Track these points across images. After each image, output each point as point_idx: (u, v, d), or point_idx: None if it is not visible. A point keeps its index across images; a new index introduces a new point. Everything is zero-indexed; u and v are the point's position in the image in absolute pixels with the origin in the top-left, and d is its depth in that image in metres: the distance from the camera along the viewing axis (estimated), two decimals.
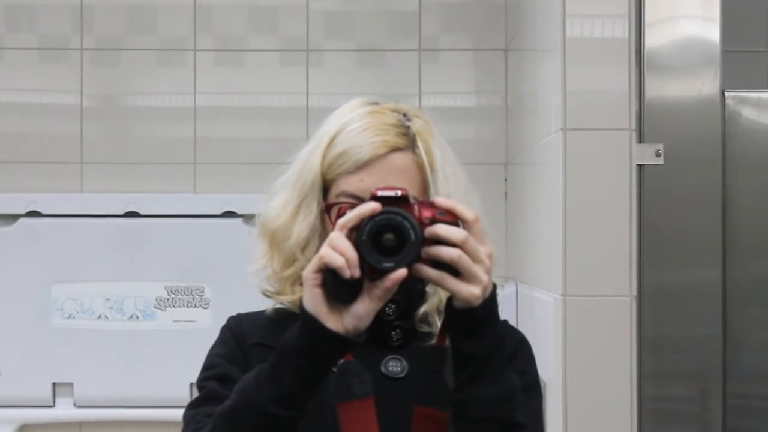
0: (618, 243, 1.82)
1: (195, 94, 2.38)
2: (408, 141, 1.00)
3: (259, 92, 2.42)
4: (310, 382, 0.85)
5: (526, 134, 2.28)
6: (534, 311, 2.15)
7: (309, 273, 0.85)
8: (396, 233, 0.83)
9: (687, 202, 1.96)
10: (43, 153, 2.39)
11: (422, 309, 1.00)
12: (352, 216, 0.84)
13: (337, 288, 0.83)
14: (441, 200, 0.88)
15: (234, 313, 1.11)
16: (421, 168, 0.99)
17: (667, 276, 1.95)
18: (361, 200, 0.91)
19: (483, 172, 2.30)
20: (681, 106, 1.97)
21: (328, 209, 0.99)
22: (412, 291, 0.97)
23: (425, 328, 1.00)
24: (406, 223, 0.83)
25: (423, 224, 0.84)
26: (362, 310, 0.84)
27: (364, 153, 0.97)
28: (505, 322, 0.97)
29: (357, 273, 0.82)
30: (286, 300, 1.04)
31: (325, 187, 1.00)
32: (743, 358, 1.95)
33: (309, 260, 0.88)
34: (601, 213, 1.88)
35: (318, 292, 0.84)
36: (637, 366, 1.83)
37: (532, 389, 1.00)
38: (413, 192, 0.93)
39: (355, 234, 0.84)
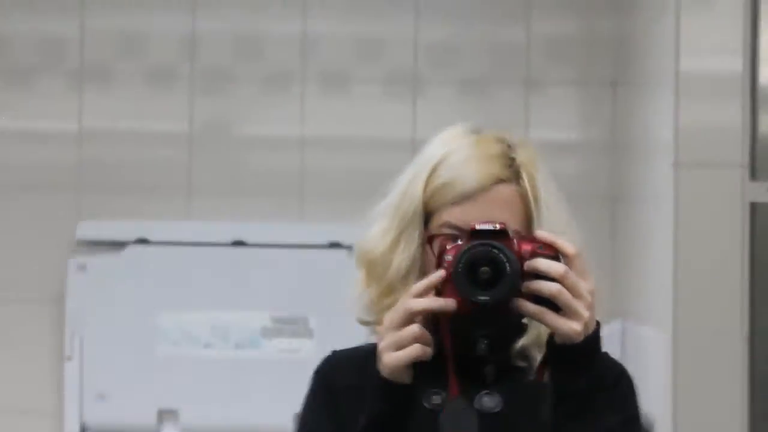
0: (730, 281, 1.81)
1: (302, 124, 2.40)
2: (512, 173, 0.97)
3: (364, 122, 2.43)
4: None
5: (634, 169, 2.26)
6: (641, 349, 2.12)
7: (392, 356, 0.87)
8: (492, 266, 0.82)
9: None
10: (152, 180, 2.42)
11: (520, 343, 0.96)
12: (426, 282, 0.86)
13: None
14: (542, 234, 0.87)
15: (332, 350, 1.08)
16: (524, 200, 0.96)
17: None
18: (462, 231, 0.90)
19: (588, 207, 2.28)
20: None
21: (431, 240, 0.96)
22: (509, 325, 0.94)
23: (523, 364, 0.97)
24: (502, 255, 0.82)
25: (522, 258, 0.83)
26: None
27: (469, 185, 0.95)
28: (606, 354, 0.94)
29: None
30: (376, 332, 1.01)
31: (426, 216, 0.97)
32: None
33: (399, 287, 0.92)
34: (713, 250, 1.86)
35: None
36: (749, 405, 1.81)
37: (631, 421, 0.96)
38: (516, 224, 0.92)
39: (450, 267, 0.83)
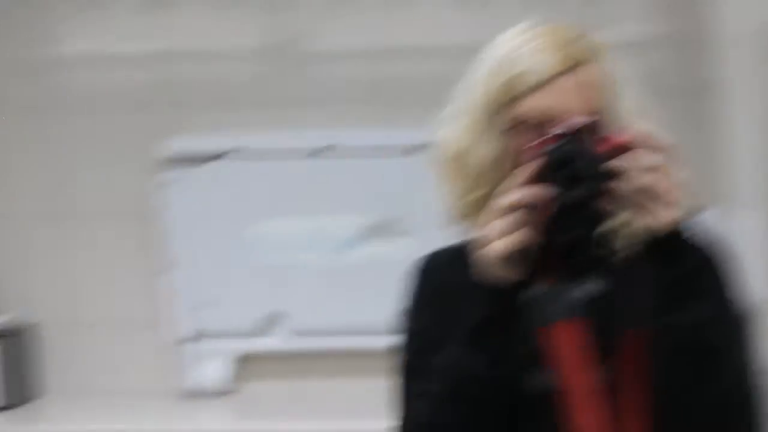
0: None
1: (383, 34, 2.42)
2: (591, 54, 0.96)
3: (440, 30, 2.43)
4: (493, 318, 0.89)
5: (717, 61, 2.28)
6: (737, 234, 2.18)
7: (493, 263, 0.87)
8: (580, 163, 0.84)
9: None
10: (236, 95, 2.44)
11: (615, 233, 0.93)
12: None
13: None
14: (636, 129, 0.87)
15: (425, 253, 1.09)
16: (598, 84, 0.95)
17: None
18: (547, 121, 0.90)
19: (672, 100, 2.30)
20: None
21: (512, 130, 0.95)
22: (599, 219, 0.90)
23: (620, 253, 0.95)
24: (586, 151, 0.85)
25: (613, 147, 0.85)
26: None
27: (546, 71, 0.93)
28: (699, 238, 0.90)
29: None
30: (471, 225, 1.00)
31: (505, 108, 0.95)
32: None
33: (495, 183, 0.92)
34: None
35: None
36: None
37: (727, 303, 0.92)
38: (594, 107, 0.92)
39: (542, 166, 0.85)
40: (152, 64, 2.45)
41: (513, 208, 0.85)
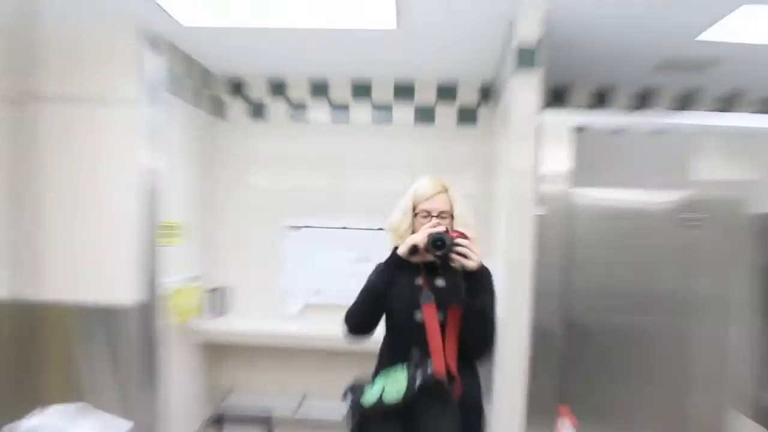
0: None
1: None
2: (449, 187, 2.36)
3: None
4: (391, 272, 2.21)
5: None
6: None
7: (402, 249, 2.19)
8: (441, 240, 2.15)
9: None
10: None
11: (453, 265, 2.23)
12: (425, 232, 2.19)
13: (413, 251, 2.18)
14: (459, 230, 2.23)
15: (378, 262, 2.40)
16: (451, 202, 2.34)
17: None
18: (429, 214, 2.31)
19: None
20: None
21: (416, 216, 2.34)
22: (448, 261, 2.21)
23: (454, 272, 2.26)
24: (447, 237, 2.15)
25: (453, 236, 2.17)
26: (417, 258, 2.20)
27: (430, 191, 2.34)
28: (486, 269, 2.24)
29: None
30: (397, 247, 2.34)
31: (414, 207, 2.35)
32: None
33: (405, 237, 2.33)
34: None
35: (405, 250, 2.17)
36: None
37: (494, 297, 2.24)
38: (447, 207, 2.31)
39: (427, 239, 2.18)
40: None
41: (414, 243, 2.19)
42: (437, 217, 2.22)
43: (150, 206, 3.14)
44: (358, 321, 2.20)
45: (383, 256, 2.31)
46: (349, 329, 2.23)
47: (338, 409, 2.19)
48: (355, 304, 2.24)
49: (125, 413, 2.85)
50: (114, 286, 3.11)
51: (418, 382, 2.01)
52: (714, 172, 3.08)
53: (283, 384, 4.25)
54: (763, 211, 3.04)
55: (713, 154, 3.04)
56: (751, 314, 3.16)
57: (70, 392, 3.05)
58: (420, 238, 2.12)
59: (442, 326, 2.14)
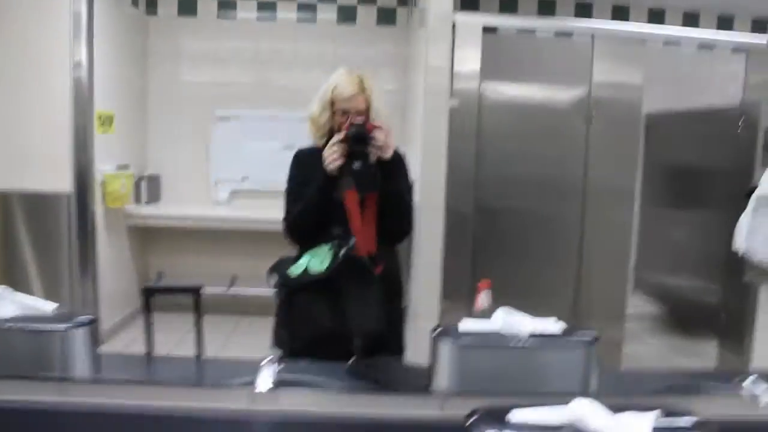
0: None
1: None
2: (368, 85, 2.43)
3: None
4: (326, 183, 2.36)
5: None
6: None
7: (331, 167, 2.34)
8: (361, 134, 2.32)
9: None
10: None
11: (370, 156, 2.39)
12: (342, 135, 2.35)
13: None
14: (377, 122, 2.37)
15: (298, 148, 2.54)
16: (368, 100, 2.43)
17: None
18: (347, 112, 2.36)
19: None
20: None
21: (335, 114, 2.43)
22: (367, 152, 2.36)
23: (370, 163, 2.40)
24: (364, 130, 2.32)
25: (370, 129, 2.33)
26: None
27: (348, 92, 2.38)
28: (399, 156, 2.42)
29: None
30: (316, 143, 2.44)
31: (332, 103, 2.43)
32: None
33: (327, 133, 2.39)
34: None
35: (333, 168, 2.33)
36: None
37: (409, 181, 2.47)
38: (364, 107, 2.36)
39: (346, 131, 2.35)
40: None
41: (336, 144, 2.35)
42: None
43: (82, 96, 3.25)
44: (302, 234, 2.36)
45: (305, 144, 2.48)
46: (293, 240, 2.38)
47: (266, 290, 2.38)
48: (295, 219, 2.37)
49: (57, 298, 3.04)
50: (48, 174, 3.25)
51: (342, 252, 2.20)
52: (612, 74, 3.35)
53: (213, 267, 4.49)
54: (652, 110, 3.37)
55: (610, 58, 3.30)
56: (642, 201, 3.53)
57: None
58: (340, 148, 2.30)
59: (362, 208, 2.34)
